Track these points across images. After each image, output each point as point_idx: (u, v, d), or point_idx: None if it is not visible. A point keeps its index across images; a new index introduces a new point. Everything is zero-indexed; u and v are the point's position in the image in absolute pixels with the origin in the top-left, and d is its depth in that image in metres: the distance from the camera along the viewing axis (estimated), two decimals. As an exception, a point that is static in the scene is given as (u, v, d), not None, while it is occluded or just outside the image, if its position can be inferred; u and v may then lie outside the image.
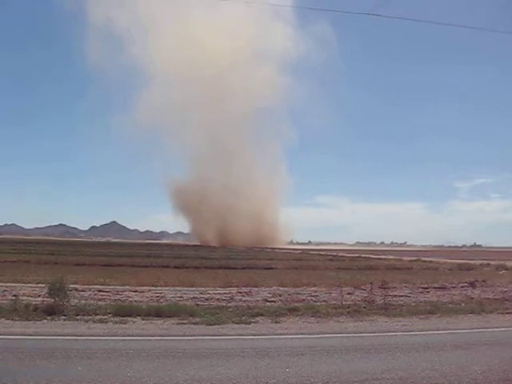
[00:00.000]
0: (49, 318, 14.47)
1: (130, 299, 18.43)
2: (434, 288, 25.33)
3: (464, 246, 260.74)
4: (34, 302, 16.04)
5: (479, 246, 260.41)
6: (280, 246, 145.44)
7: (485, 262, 55.35)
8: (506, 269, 40.92)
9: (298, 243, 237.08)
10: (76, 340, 11.58)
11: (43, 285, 18.41)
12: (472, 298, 21.48)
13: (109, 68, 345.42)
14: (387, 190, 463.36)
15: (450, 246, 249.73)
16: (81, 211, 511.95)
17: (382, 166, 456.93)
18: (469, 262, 57.43)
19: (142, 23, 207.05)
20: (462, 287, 25.91)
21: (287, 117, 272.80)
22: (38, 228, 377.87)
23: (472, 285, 26.54)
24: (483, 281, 28.38)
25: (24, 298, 17.20)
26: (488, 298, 21.52)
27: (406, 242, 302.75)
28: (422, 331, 14.23)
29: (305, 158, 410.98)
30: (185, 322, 14.58)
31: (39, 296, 17.50)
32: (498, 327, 15.24)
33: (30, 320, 14.01)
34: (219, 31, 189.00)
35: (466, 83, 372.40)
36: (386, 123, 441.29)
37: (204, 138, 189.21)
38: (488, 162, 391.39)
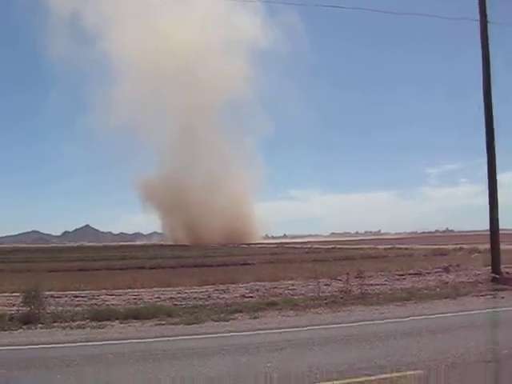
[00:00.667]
0: (25, 326, 14.27)
1: (107, 303, 18.26)
2: (410, 275, 25.62)
3: (437, 231, 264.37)
4: (9, 312, 15.79)
5: (451, 230, 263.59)
6: (255, 241, 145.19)
7: (458, 246, 56.11)
8: (479, 252, 41.45)
9: (273, 237, 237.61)
10: (54, 348, 11.46)
11: (18, 293, 18.15)
12: (446, 283, 21.80)
13: (74, 65, 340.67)
14: (359, 180, 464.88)
15: (423, 233, 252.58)
16: (53, 217, 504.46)
17: (353, 157, 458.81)
18: (442, 247, 58.16)
19: (107, 16, 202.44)
20: (436, 272, 26.23)
21: (259, 109, 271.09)
22: (9, 236, 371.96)
23: (446, 270, 26.90)
24: (457, 265, 28.78)
25: (-1, 307, 16.94)
26: (462, 282, 21.87)
27: (380, 231, 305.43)
28: (398, 318, 14.41)
29: (276, 152, 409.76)
30: (163, 322, 14.53)
31: (14, 305, 17.20)
32: (472, 310, 15.52)
33: (5, 330, 13.80)
34: (187, 23, 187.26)
35: (433, 71, 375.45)
36: (354, 113, 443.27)
37: (175, 133, 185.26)
38: (456, 148, 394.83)
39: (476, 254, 40.66)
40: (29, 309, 15.43)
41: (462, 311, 15.33)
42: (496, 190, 22.74)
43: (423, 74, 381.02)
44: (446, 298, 18.07)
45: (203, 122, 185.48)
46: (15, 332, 13.66)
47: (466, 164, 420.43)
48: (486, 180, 22.92)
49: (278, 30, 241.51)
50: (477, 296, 18.41)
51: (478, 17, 23.12)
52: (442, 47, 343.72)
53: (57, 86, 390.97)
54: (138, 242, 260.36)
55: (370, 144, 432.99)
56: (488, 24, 23.09)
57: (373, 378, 8.25)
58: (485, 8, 22.94)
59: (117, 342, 12.10)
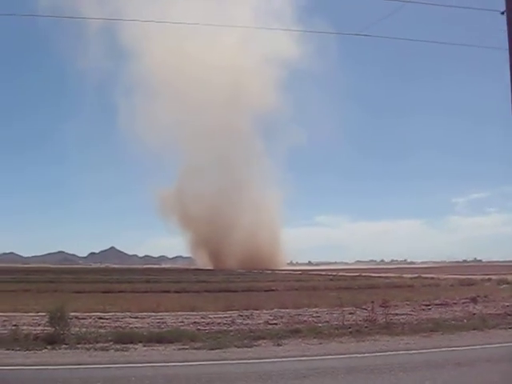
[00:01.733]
0: (49, 347, 14.38)
1: (131, 326, 18.32)
2: (436, 305, 25.26)
3: (465, 261, 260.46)
4: (35, 332, 15.95)
5: (479, 260, 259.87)
6: (280, 268, 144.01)
7: (486, 276, 55.24)
8: (507, 283, 40.82)
9: (297, 264, 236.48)
10: (77, 369, 11.52)
11: (43, 313, 18.30)
12: (474, 314, 21.42)
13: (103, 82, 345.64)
14: (385, 208, 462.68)
15: (450, 262, 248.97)
16: (79, 238, 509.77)
17: (379, 184, 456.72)
18: (470, 277, 57.30)
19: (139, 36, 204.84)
20: (463, 303, 25.83)
21: (289, 132, 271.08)
22: (36, 256, 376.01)
23: (474, 300, 26.48)
24: (485, 296, 28.33)
25: (24, 327, 17.06)
26: (490, 314, 21.47)
27: (406, 259, 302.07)
28: (424, 349, 14.19)
29: (302, 176, 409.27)
30: (186, 347, 14.51)
31: (39, 325, 17.38)
32: (500, 343, 15.21)
33: (30, 350, 13.91)
34: (220, 45, 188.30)
35: (459, 98, 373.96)
36: (382, 140, 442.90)
37: (205, 155, 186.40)
38: (483, 177, 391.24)
39: (505, 285, 39.98)
40: (54, 329, 15.55)
41: (489, 344, 15.03)
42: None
43: (451, 100, 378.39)
44: (473, 329, 17.76)
45: (234, 145, 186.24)
46: (39, 352, 13.76)
47: (493, 193, 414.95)
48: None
49: (311, 49, 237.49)
50: (505, 329, 18.05)
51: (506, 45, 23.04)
52: (470, 74, 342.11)
53: (84, 105, 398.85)
54: (164, 265, 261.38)
55: (398, 171, 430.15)
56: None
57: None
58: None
59: (140, 365, 12.11)
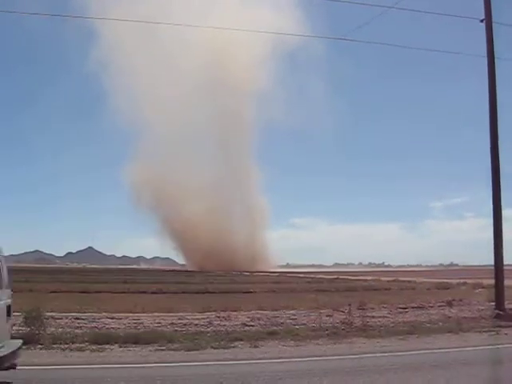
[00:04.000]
0: (24, 347, 14.12)
1: (108, 326, 18.18)
2: (412, 308, 25.40)
3: (441, 265, 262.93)
4: (9, 332, 15.74)
5: (456, 264, 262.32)
6: (267, 270, 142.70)
7: (461, 280, 55.74)
8: (483, 287, 41.12)
9: (287, 265, 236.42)
10: (53, 369, 11.43)
11: (18, 313, 18.07)
12: (449, 317, 21.60)
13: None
14: (363, 211, 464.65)
15: (427, 266, 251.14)
16: (56, 237, 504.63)
17: (358, 187, 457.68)
18: (446, 281, 57.82)
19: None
20: (439, 306, 26.02)
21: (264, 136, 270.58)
22: (12, 255, 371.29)
23: (449, 304, 26.68)
24: (460, 300, 28.55)
25: (-1, 327, 16.86)
26: (465, 317, 21.66)
27: (383, 263, 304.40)
28: (400, 352, 14.31)
29: (279, 179, 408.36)
30: (163, 348, 14.46)
31: (14, 325, 17.14)
32: (475, 346, 15.40)
33: (4, 350, 13.74)
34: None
35: (438, 101, 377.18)
36: (361, 141, 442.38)
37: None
38: (461, 182, 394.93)
39: (480, 289, 40.35)
40: (29, 329, 15.40)
41: (464, 347, 15.21)
42: (501, 226, 22.69)
43: (431, 103, 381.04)
44: (448, 332, 17.93)
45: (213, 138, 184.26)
46: (14, 352, 13.58)
47: (471, 197, 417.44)
48: (491, 215, 22.90)
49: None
50: (479, 332, 18.25)
51: (485, 53, 23.37)
52: (448, 76, 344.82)
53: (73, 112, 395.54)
54: (142, 266, 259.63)
55: (376, 173, 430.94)
56: (496, 60, 23.31)
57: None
58: (492, 42, 23.16)
59: (116, 366, 12.06)
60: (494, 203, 22.82)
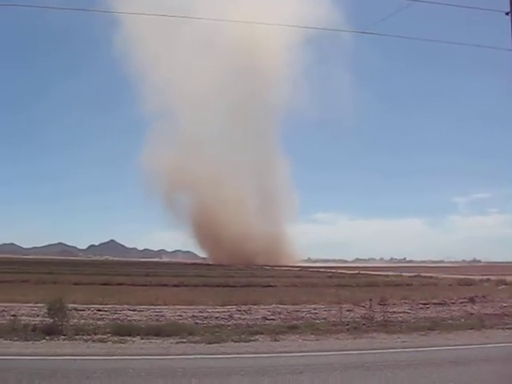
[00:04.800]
0: (48, 337, 14.43)
1: (129, 318, 18.39)
2: (434, 304, 25.27)
3: (464, 261, 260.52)
4: (33, 322, 15.99)
5: (479, 261, 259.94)
6: (292, 264, 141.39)
7: (484, 277, 55.24)
8: (506, 284, 40.86)
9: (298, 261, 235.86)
10: (75, 360, 11.55)
11: (42, 304, 18.35)
12: (472, 314, 21.44)
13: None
14: (385, 206, 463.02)
15: (449, 262, 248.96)
16: (79, 230, 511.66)
17: (380, 181, 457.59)
18: (468, 277, 57.32)
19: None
20: (461, 303, 25.86)
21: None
22: (36, 247, 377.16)
23: (471, 300, 26.51)
24: (483, 296, 28.34)
25: (23, 317, 17.15)
26: (488, 314, 21.49)
27: (405, 258, 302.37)
28: (421, 347, 14.22)
29: (301, 173, 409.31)
30: (184, 340, 14.56)
31: (38, 316, 17.43)
32: (497, 343, 15.23)
33: (28, 340, 13.96)
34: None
35: (464, 97, 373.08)
36: (383, 136, 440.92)
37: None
38: (485, 177, 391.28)
39: (503, 286, 40.01)
40: (52, 320, 15.60)
41: (486, 344, 15.06)
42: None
43: (457, 98, 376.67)
44: (470, 329, 17.78)
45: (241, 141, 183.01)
46: (38, 342, 13.81)
47: (495, 193, 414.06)
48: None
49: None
50: (502, 329, 18.07)
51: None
52: (477, 73, 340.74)
53: (96, 109, 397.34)
54: (164, 259, 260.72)
55: (400, 168, 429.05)
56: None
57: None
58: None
59: (137, 357, 12.16)
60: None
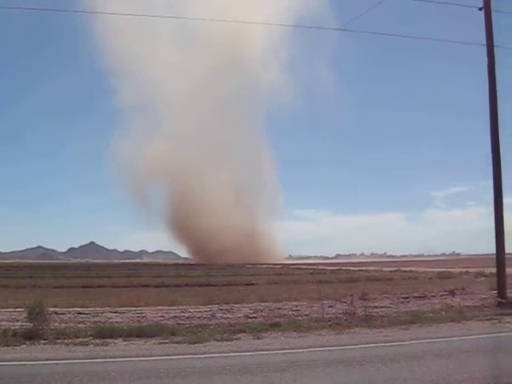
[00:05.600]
0: (28, 342, 14.26)
1: (111, 320, 18.23)
2: (415, 297, 25.46)
3: (443, 254, 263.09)
4: (13, 327, 15.76)
5: (458, 254, 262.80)
6: (273, 262, 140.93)
7: (464, 269, 55.88)
8: (485, 276, 41.18)
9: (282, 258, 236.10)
10: (57, 364, 11.45)
11: (22, 309, 18.14)
12: (452, 306, 21.63)
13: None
14: (365, 201, 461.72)
15: (429, 255, 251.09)
16: (58, 233, 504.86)
17: (359, 177, 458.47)
18: (448, 270, 57.94)
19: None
20: (441, 296, 26.08)
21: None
22: (14, 251, 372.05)
23: (451, 293, 26.75)
24: (462, 288, 28.61)
25: (2, 323, 16.91)
26: (467, 306, 21.71)
27: (385, 253, 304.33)
28: (402, 341, 14.33)
29: (281, 171, 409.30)
30: (166, 341, 14.49)
31: (18, 321, 17.19)
32: (477, 334, 15.41)
33: (8, 346, 13.76)
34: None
35: (440, 90, 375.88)
36: (361, 132, 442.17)
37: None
38: (462, 170, 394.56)
39: (482, 278, 40.41)
40: (32, 325, 15.43)
41: (466, 335, 15.21)
42: (502, 214, 22.68)
43: (432, 93, 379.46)
44: (451, 321, 17.96)
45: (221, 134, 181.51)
46: (18, 348, 13.64)
47: (473, 186, 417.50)
48: (493, 203, 22.89)
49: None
50: (482, 320, 18.28)
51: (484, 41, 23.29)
52: (450, 67, 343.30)
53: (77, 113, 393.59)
54: (145, 260, 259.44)
55: (378, 163, 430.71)
56: (495, 48, 23.23)
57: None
58: (491, 31, 23.07)
59: (120, 359, 12.09)
60: (494, 191, 22.80)
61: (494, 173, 22.91)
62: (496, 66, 23.22)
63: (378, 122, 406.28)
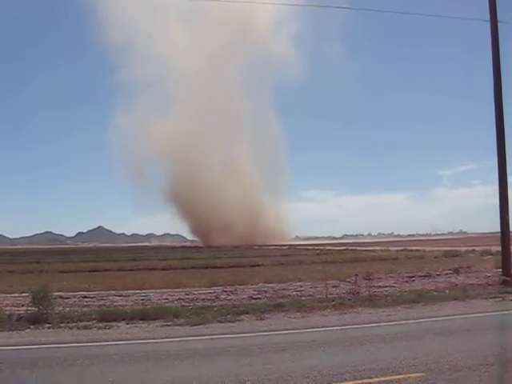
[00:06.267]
0: (32, 327, 14.34)
1: (115, 304, 18.31)
2: (419, 276, 25.47)
3: (450, 233, 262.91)
4: (18, 312, 15.89)
5: (465, 232, 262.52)
6: (281, 243, 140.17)
7: (470, 248, 55.81)
8: (491, 254, 41.14)
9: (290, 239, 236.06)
10: (59, 348, 11.51)
11: (27, 294, 18.24)
12: (456, 285, 21.63)
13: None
14: (372, 182, 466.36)
15: (436, 234, 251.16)
16: (67, 218, 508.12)
17: (365, 157, 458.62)
18: (454, 248, 57.89)
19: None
20: (446, 274, 26.08)
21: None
22: (23, 237, 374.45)
23: (456, 271, 26.72)
24: (467, 267, 28.59)
25: (7, 308, 17.01)
26: (472, 284, 21.71)
27: (392, 233, 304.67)
28: (405, 320, 14.35)
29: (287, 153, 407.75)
30: (169, 323, 14.55)
31: (23, 305, 17.31)
32: (480, 312, 15.40)
33: (13, 330, 13.87)
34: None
35: (447, 72, 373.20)
36: (368, 114, 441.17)
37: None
38: (468, 149, 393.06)
39: (488, 256, 40.37)
40: (37, 309, 15.51)
41: (470, 314, 15.22)
42: (507, 192, 22.57)
43: (439, 74, 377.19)
44: (454, 300, 17.95)
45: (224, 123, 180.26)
46: (22, 332, 13.73)
47: (479, 165, 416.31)
48: (497, 182, 22.75)
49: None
50: (486, 298, 18.27)
51: (488, 17, 22.98)
52: (457, 49, 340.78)
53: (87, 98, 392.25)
54: (153, 243, 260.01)
55: (384, 145, 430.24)
56: (499, 24, 22.93)
57: (374, 380, 8.23)
58: (495, 7, 22.77)
59: (122, 342, 12.14)
60: (499, 169, 22.65)
61: (498, 152, 22.74)
62: (500, 42, 22.94)
63: (384, 103, 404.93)
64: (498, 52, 22.90)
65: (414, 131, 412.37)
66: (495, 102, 22.77)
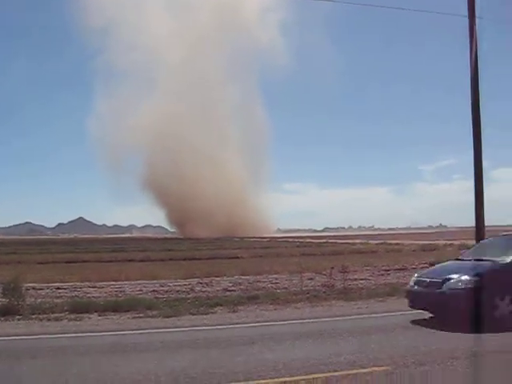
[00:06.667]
0: (2, 318, 14.16)
1: (89, 295, 18.19)
2: (395, 270, 25.66)
3: (430, 227, 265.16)
4: (-12, 304, 15.70)
5: (445, 226, 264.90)
6: (265, 235, 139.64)
7: (448, 242, 56.32)
8: (468, 248, 41.35)
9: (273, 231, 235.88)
10: (26, 339, 11.40)
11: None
12: (431, 278, 21.73)
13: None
14: (353, 175, 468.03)
15: (416, 228, 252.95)
16: (47, 209, 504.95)
17: (348, 151, 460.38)
18: (433, 242, 58.37)
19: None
20: (422, 268, 26.15)
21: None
22: (2, 228, 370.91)
23: (432, 265, 26.82)
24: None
25: (-22, 299, 16.82)
26: (446, 278, 21.81)
27: (373, 226, 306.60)
28: (376, 313, 14.40)
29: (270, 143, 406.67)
30: (141, 315, 14.45)
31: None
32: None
33: (-18, 322, 13.72)
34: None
35: (427, 66, 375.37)
36: (351, 106, 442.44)
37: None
38: (449, 144, 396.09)
39: (464, 250, 40.65)
40: (8, 301, 15.34)
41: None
42: (482, 187, 22.64)
43: (419, 68, 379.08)
44: (427, 293, 18.02)
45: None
46: (-9, 323, 13.57)
47: (460, 160, 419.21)
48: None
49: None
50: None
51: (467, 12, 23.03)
52: (437, 43, 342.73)
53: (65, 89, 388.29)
54: (134, 235, 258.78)
55: (367, 139, 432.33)
56: (477, 19, 22.98)
57: (339, 373, 8.24)
58: (473, 3, 22.83)
59: (90, 334, 12.05)
60: (475, 164, 22.71)
61: (474, 146, 22.82)
62: (479, 36, 22.98)
63: (368, 96, 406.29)
64: (476, 47, 22.91)
65: (398, 125, 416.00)
66: (472, 93, 22.79)
